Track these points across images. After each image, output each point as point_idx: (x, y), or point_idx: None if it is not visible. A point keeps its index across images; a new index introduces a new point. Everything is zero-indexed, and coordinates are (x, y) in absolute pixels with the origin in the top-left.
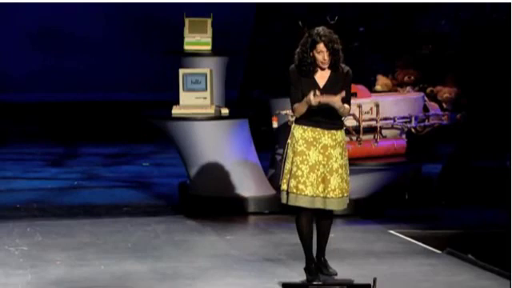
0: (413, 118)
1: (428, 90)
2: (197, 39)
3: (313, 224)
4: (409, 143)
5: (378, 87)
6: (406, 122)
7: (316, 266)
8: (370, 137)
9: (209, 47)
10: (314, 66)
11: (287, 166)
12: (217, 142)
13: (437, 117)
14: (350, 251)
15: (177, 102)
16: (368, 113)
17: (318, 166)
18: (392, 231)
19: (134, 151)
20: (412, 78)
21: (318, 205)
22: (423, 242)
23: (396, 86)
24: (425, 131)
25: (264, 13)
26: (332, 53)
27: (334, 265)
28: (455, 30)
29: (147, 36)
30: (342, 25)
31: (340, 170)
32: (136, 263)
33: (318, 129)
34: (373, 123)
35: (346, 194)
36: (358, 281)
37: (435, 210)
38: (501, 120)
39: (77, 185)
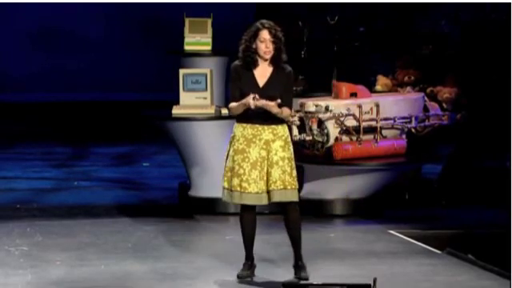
0: (413, 118)
1: (428, 90)
2: (197, 39)
3: (255, 224)
4: (409, 143)
5: (378, 87)
6: (406, 122)
7: (295, 267)
8: (370, 137)
9: (209, 47)
10: (255, 57)
11: (228, 163)
12: (217, 142)
13: (437, 117)
14: (350, 251)
15: (177, 102)
16: (368, 113)
17: (260, 163)
18: (392, 231)
19: (135, 152)
20: (412, 78)
21: (265, 201)
22: (423, 242)
23: (396, 86)
24: (425, 131)
25: (264, 13)
26: (275, 42)
27: (334, 265)
28: (455, 30)
29: (147, 36)
30: (342, 25)
31: (281, 162)
32: (136, 263)
33: (257, 125)
34: (373, 123)
35: (289, 187)
36: (358, 281)
37: (435, 210)
38: (501, 120)
39: (77, 185)
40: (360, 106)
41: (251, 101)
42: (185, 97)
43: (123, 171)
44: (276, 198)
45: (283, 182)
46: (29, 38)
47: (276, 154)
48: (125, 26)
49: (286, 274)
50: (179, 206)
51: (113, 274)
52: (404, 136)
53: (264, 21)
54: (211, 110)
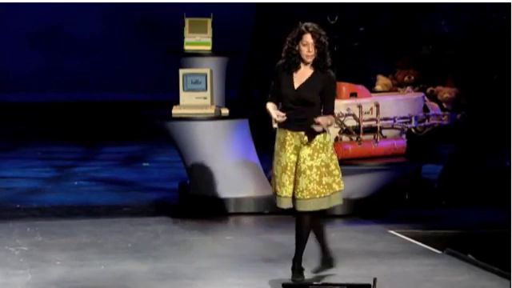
0: (413, 118)
1: (428, 90)
2: (197, 39)
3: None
4: (409, 143)
5: (378, 87)
6: (406, 122)
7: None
8: (370, 137)
9: (209, 47)
10: (298, 59)
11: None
12: (217, 142)
13: (437, 117)
14: (350, 251)
15: (177, 102)
16: (368, 113)
17: (290, 168)
18: (392, 231)
19: (135, 152)
20: (412, 78)
21: (293, 205)
22: (423, 242)
23: (396, 86)
24: (425, 131)
25: (264, 13)
26: (318, 46)
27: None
28: (455, 30)
29: (147, 36)
30: (342, 25)
31: (308, 172)
32: (136, 263)
33: (287, 130)
34: (373, 123)
35: (318, 196)
36: (358, 281)
37: (435, 210)
38: (501, 120)
39: (77, 185)
40: (360, 106)
41: (275, 117)
42: (185, 97)
43: (123, 171)
44: (302, 208)
45: (310, 191)
46: (29, 38)
47: (304, 163)
48: (125, 26)
49: (286, 274)
50: (179, 205)
51: (113, 273)
52: (404, 136)
53: (309, 24)
54: (211, 110)
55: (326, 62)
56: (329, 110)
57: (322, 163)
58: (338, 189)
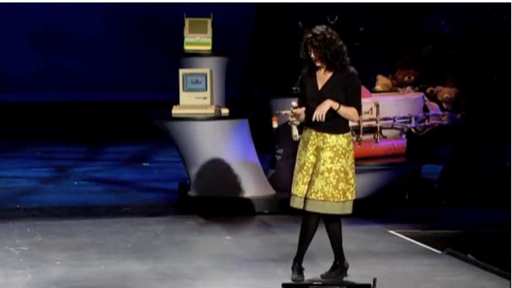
0: (413, 118)
1: (428, 90)
2: (197, 39)
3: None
4: (409, 143)
5: (378, 87)
6: (406, 122)
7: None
8: (370, 137)
9: (209, 47)
10: (311, 63)
11: None
12: (217, 142)
13: (437, 117)
14: (350, 251)
15: (177, 102)
16: (368, 113)
17: (306, 168)
18: (392, 231)
19: (135, 152)
20: (412, 78)
21: (302, 205)
22: (423, 242)
23: (396, 86)
24: (425, 131)
25: (264, 13)
26: (321, 51)
27: None
28: (455, 30)
29: (147, 36)
30: (342, 25)
31: (326, 174)
32: (136, 263)
33: (312, 130)
34: (373, 123)
35: (332, 199)
36: (358, 281)
37: (435, 210)
38: (501, 120)
39: (77, 185)
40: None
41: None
42: (185, 97)
43: (123, 171)
44: (312, 208)
45: (324, 193)
46: (29, 38)
47: (323, 165)
48: (125, 26)
49: (286, 274)
50: (179, 205)
51: (113, 273)
52: (404, 136)
53: (315, 28)
54: (211, 110)
55: (341, 61)
56: (352, 105)
57: (342, 168)
58: (350, 198)
